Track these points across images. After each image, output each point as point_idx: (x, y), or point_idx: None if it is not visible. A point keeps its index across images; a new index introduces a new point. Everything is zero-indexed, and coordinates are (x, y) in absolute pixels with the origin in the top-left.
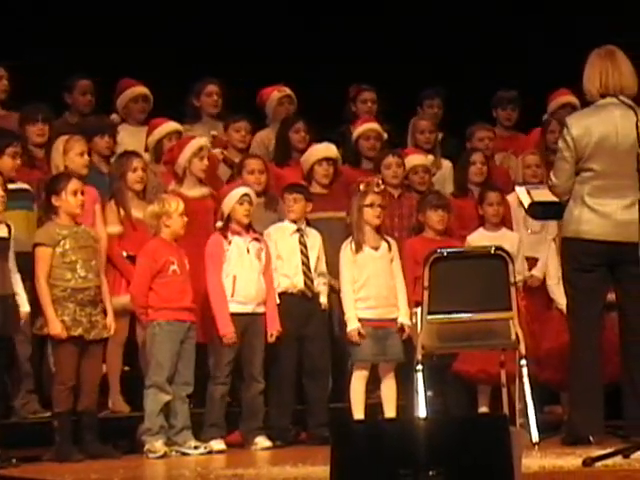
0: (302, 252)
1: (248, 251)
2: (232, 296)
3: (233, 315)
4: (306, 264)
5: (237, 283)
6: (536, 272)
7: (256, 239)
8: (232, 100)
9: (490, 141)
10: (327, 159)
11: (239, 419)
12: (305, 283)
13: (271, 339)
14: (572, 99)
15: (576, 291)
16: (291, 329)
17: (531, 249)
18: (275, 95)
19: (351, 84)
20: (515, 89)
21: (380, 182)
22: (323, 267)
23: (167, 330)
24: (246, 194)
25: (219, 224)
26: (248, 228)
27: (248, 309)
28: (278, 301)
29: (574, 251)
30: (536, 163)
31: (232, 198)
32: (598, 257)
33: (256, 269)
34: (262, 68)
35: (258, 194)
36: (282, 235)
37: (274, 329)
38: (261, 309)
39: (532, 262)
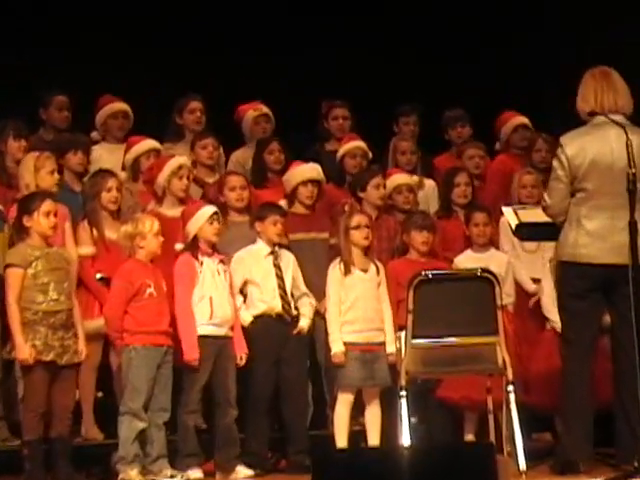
0: (277, 275)
1: (218, 272)
2: (210, 318)
3: (209, 338)
4: (282, 287)
5: (214, 305)
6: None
7: (222, 260)
8: (215, 117)
9: (480, 159)
10: (312, 180)
11: (214, 447)
12: (283, 307)
13: (241, 362)
14: (524, 120)
15: (571, 316)
16: (268, 353)
17: (530, 270)
18: (250, 114)
19: (323, 99)
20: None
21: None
22: (303, 287)
23: (143, 355)
24: (216, 213)
25: (179, 246)
26: (214, 249)
27: (222, 332)
28: (249, 324)
29: (570, 275)
30: (532, 184)
31: (201, 217)
32: (594, 281)
33: (227, 290)
34: (245, 83)
35: (241, 211)
36: (256, 259)
37: (242, 351)
38: (231, 332)
39: (534, 282)
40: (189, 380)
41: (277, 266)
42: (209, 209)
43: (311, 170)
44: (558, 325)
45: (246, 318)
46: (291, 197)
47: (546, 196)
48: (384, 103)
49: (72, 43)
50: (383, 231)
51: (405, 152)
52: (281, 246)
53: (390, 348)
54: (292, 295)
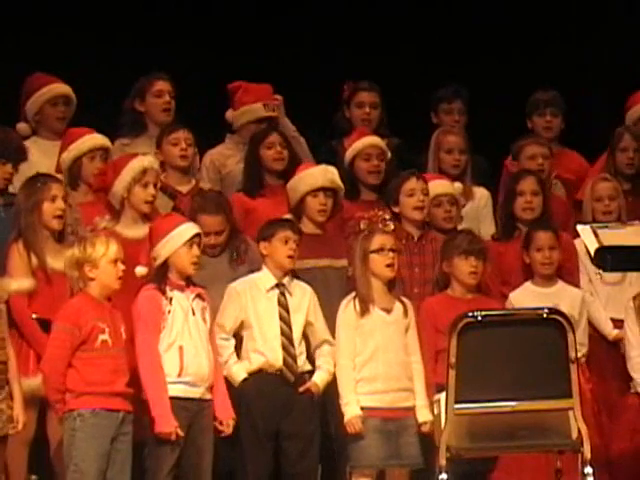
0: (282, 317)
1: (193, 312)
2: (180, 375)
3: (178, 402)
4: (287, 334)
5: (185, 357)
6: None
7: (199, 295)
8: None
9: (545, 160)
10: (325, 189)
11: None
12: (285, 361)
13: (227, 430)
14: None
15: None
16: (264, 423)
17: (610, 307)
18: (259, 110)
19: (345, 81)
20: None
21: (387, 217)
22: (324, 332)
23: (92, 424)
24: (198, 234)
25: (141, 270)
26: (188, 280)
27: (197, 393)
28: (245, 374)
29: None
30: (610, 194)
31: (177, 238)
32: None
33: (204, 336)
34: (228, 60)
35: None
36: (255, 293)
37: (228, 417)
38: (209, 394)
39: (617, 324)
40: (155, 459)
41: (283, 305)
42: (190, 228)
43: (323, 174)
44: None
45: (238, 374)
46: (297, 211)
47: None
48: (419, 85)
49: None
50: (428, 256)
51: (452, 150)
52: (295, 276)
53: (423, 415)
54: (308, 343)
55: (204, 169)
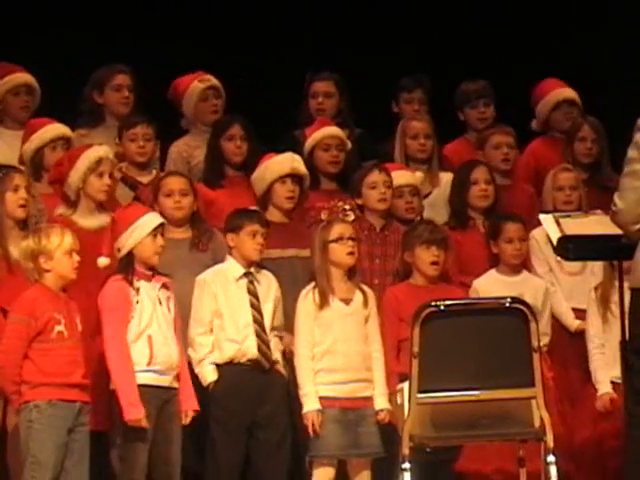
0: (253, 305)
1: (160, 302)
2: (149, 364)
3: (148, 389)
4: (259, 322)
5: (154, 346)
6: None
7: (164, 284)
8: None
9: (510, 150)
10: (293, 176)
11: None
12: (259, 348)
13: (186, 420)
14: (572, 94)
15: None
16: (238, 415)
17: (572, 297)
18: (196, 87)
19: (307, 70)
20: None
21: (347, 208)
22: (279, 321)
23: (49, 415)
24: (162, 224)
25: (104, 261)
26: (154, 270)
27: (166, 381)
28: (216, 375)
29: None
30: (571, 184)
31: (142, 229)
32: None
33: (171, 326)
34: (185, 51)
35: (179, 224)
36: (224, 283)
37: (191, 407)
38: (176, 383)
39: (578, 314)
40: (129, 452)
41: (253, 293)
42: (154, 218)
43: (290, 161)
44: (603, 385)
45: (210, 375)
46: (263, 200)
47: (616, 198)
48: (381, 76)
49: None
50: (390, 247)
51: (418, 135)
52: (260, 266)
53: (379, 404)
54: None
55: (171, 161)
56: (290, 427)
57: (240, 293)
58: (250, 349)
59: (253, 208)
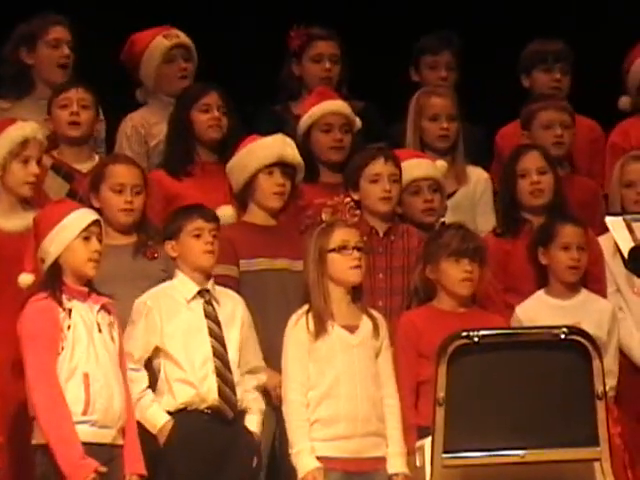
0: (212, 333)
1: (99, 328)
2: (85, 413)
3: (84, 447)
4: (221, 355)
5: (91, 387)
6: None
7: (104, 306)
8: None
9: (565, 130)
10: (282, 164)
11: None
12: (221, 392)
13: None
14: None
15: None
16: (195, 477)
17: None
18: (159, 45)
19: (294, 25)
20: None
21: (354, 205)
22: (256, 357)
23: None
24: (96, 221)
25: (26, 278)
26: (90, 286)
27: (107, 437)
28: (167, 415)
29: None
30: None
31: (68, 230)
32: None
33: (114, 360)
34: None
35: (124, 230)
36: (171, 308)
37: (136, 470)
38: (121, 439)
39: None
40: None
41: (212, 317)
42: (85, 215)
43: (281, 146)
44: None
45: (157, 417)
46: (243, 195)
47: None
48: (395, 33)
49: None
50: (397, 257)
51: (438, 116)
52: (219, 283)
53: (394, 466)
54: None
55: (123, 139)
56: None
57: (195, 319)
58: (209, 394)
59: (196, 203)
